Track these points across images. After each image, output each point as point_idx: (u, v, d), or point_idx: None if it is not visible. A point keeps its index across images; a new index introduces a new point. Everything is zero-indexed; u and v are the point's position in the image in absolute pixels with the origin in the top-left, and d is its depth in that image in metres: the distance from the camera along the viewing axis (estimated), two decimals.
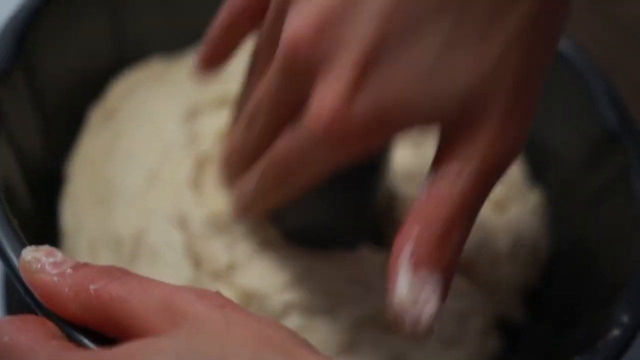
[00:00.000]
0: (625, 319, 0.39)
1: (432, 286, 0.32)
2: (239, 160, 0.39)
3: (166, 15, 0.51)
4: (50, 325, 0.31)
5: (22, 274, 0.32)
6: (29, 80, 0.42)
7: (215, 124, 0.47)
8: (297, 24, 0.32)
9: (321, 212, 0.43)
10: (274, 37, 0.34)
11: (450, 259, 0.33)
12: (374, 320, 0.42)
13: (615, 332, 0.39)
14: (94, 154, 0.46)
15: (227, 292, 0.41)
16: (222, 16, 0.39)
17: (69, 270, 0.31)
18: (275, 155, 0.36)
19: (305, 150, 0.34)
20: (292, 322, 0.41)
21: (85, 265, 0.32)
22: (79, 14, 0.46)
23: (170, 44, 0.52)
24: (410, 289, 0.32)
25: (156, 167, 0.45)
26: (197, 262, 0.42)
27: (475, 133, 0.33)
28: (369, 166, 0.42)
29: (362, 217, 0.44)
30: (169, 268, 0.41)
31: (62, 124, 0.47)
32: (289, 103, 0.35)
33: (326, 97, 0.32)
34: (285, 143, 0.35)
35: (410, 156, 0.48)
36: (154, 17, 0.50)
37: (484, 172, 0.33)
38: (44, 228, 0.44)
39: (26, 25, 0.42)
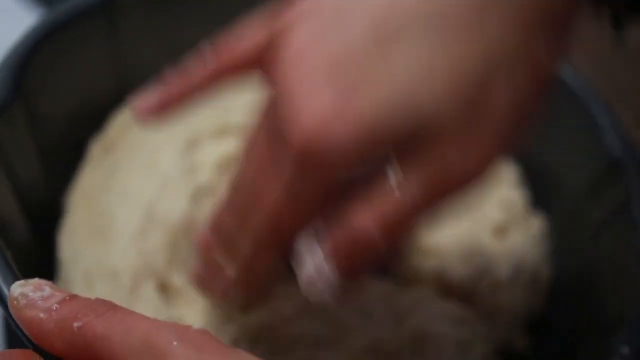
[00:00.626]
0: (625, 350, 0.39)
1: None
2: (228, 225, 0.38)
3: (166, 47, 0.51)
4: None
5: (11, 310, 0.32)
6: (28, 113, 0.43)
7: (215, 154, 0.47)
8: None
9: None
10: None
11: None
12: (377, 351, 0.42)
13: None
14: (93, 187, 0.46)
15: (237, 327, 0.41)
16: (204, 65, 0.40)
17: (55, 306, 0.31)
18: (267, 207, 0.36)
19: (291, 183, 0.34)
20: (299, 354, 0.41)
21: (71, 299, 0.31)
22: (77, 48, 0.47)
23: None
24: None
25: (153, 202, 0.45)
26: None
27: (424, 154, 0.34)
28: None
29: None
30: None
31: (63, 156, 0.47)
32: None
33: (306, 117, 0.33)
34: (273, 191, 0.35)
35: None
36: (154, 49, 0.51)
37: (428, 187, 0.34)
38: (42, 258, 0.44)
39: (24, 59, 0.43)
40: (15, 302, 0.31)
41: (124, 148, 0.48)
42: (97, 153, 0.48)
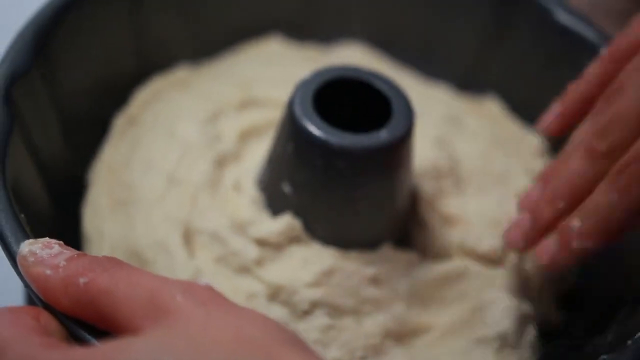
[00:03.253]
0: None
1: None
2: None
3: (190, 24, 0.51)
4: (45, 318, 0.31)
5: (20, 267, 0.32)
6: (49, 84, 0.43)
7: (238, 124, 0.47)
8: None
9: (344, 212, 0.42)
10: None
11: None
12: (399, 329, 0.41)
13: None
14: (116, 160, 0.46)
15: (255, 286, 0.41)
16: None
17: (62, 263, 0.31)
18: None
19: None
20: (320, 320, 0.40)
21: (79, 256, 0.32)
22: (100, 19, 0.46)
23: (196, 52, 0.52)
24: None
25: (174, 170, 0.45)
26: (218, 258, 0.42)
27: None
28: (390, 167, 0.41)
29: (385, 217, 0.43)
30: (185, 266, 0.41)
31: (87, 131, 0.47)
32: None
33: None
34: None
35: (432, 156, 0.47)
36: (178, 25, 0.51)
37: None
38: (67, 233, 0.44)
39: (46, 28, 0.43)
40: (24, 260, 0.32)
41: (146, 121, 0.48)
42: (120, 127, 0.48)
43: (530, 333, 0.43)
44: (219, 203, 0.44)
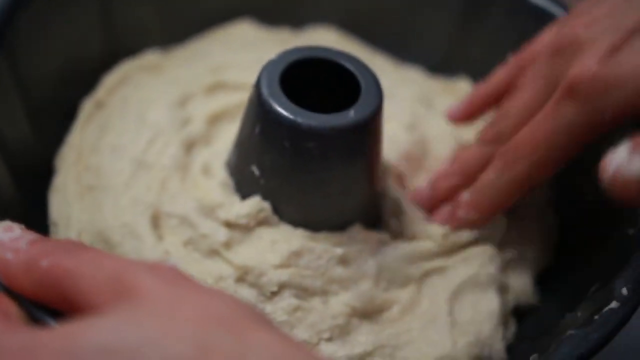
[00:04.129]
0: (624, 291, 0.38)
1: None
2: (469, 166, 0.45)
3: (161, 8, 0.51)
4: (5, 303, 0.30)
5: None
6: (12, 68, 0.42)
7: (207, 108, 0.46)
8: (573, 23, 0.41)
9: (314, 194, 0.42)
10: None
11: None
12: (365, 307, 0.41)
13: (613, 305, 0.37)
14: (83, 145, 0.46)
15: (223, 268, 0.41)
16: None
17: (24, 246, 0.31)
18: (521, 134, 0.41)
19: (552, 113, 0.39)
20: (288, 302, 0.40)
21: (41, 240, 0.31)
22: (65, 7, 0.46)
23: (166, 38, 0.51)
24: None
25: (143, 154, 0.44)
26: (187, 242, 0.42)
27: None
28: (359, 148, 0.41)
29: (354, 199, 0.43)
30: (153, 249, 0.41)
31: (54, 118, 0.46)
32: (547, 88, 0.41)
33: (585, 60, 0.38)
34: (534, 120, 0.41)
35: (403, 137, 0.47)
36: (147, 9, 0.50)
37: None
38: (35, 220, 0.44)
39: (7, 10, 0.42)
40: None
41: (115, 105, 0.47)
42: (87, 112, 0.47)
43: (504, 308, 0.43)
44: (188, 187, 0.43)
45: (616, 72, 0.37)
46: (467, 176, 0.44)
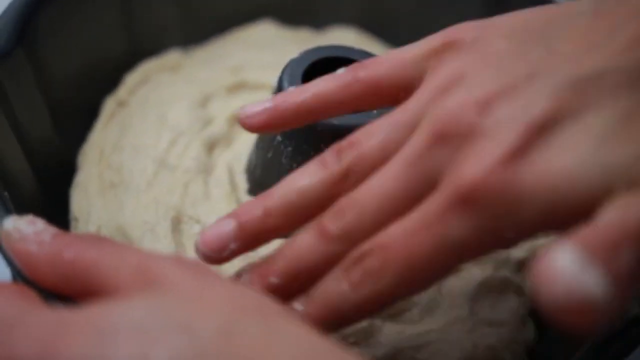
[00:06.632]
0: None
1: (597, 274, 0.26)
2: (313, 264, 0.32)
3: (183, 9, 0.51)
4: (29, 292, 0.30)
5: (3, 244, 0.31)
6: (35, 66, 0.42)
7: (228, 108, 0.46)
8: (462, 98, 0.31)
9: None
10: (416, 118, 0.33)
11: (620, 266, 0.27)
12: (387, 311, 0.41)
13: (636, 310, 0.37)
14: (105, 143, 0.46)
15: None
16: (307, 96, 0.36)
17: (47, 239, 0.31)
18: (390, 241, 0.31)
19: (437, 224, 0.30)
20: None
21: (64, 234, 0.31)
22: (88, 5, 0.46)
23: (188, 38, 0.52)
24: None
25: (165, 155, 0.44)
26: None
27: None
28: None
29: None
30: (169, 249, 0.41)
31: (75, 114, 0.46)
32: (421, 182, 0.31)
33: (486, 157, 0.29)
34: (409, 223, 0.30)
35: None
36: (169, 10, 0.50)
37: None
38: (57, 217, 0.44)
39: (30, 8, 0.42)
40: (8, 236, 0.31)
41: (136, 105, 0.47)
42: (109, 110, 0.47)
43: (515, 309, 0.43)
44: (210, 192, 0.43)
45: (524, 179, 0.29)
46: (300, 282, 0.32)
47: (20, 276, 0.31)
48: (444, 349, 0.41)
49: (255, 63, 0.49)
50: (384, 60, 0.36)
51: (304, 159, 0.38)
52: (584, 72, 0.30)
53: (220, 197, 0.43)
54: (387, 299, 0.31)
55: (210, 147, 0.45)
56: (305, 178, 0.33)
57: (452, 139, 0.31)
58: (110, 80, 0.48)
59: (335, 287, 0.31)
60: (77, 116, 0.47)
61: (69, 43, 0.45)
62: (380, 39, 0.54)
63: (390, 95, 0.35)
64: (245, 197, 0.43)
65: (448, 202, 0.30)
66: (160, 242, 0.41)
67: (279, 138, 0.41)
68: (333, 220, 0.32)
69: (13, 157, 0.40)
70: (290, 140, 0.40)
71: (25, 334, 0.27)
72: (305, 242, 0.32)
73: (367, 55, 0.42)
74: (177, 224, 0.42)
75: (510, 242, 0.31)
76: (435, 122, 0.31)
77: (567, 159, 0.29)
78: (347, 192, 0.32)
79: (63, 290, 0.30)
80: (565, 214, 0.29)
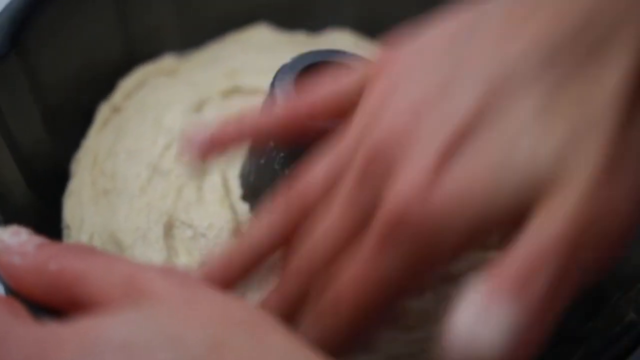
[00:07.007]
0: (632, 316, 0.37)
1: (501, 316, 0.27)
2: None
3: (176, 13, 0.50)
4: (15, 305, 0.30)
5: None
6: (28, 72, 0.42)
7: (223, 113, 0.46)
8: (386, 123, 0.31)
9: None
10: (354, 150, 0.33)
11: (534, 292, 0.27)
12: None
13: (632, 316, 0.36)
14: (99, 149, 0.46)
15: None
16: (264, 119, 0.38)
17: (31, 250, 0.30)
18: (342, 288, 0.32)
19: (372, 264, 0.31)
20: None
21: (49, 243, 0.31)
22: (82, 10, 0.46)
23: (183, 42, 0.51)
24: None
25: (159, 160, 0.44)
26: (199, 254, 0.41)
27: (558, 198, 0.28)
28: None
29: None
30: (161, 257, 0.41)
31: (69, 120, 0.46)
32: (363, 215, 0.32)
33: (405, 183, 0.30)
34: (353, 268, 0.31)
35: None
36: (164, 14, 0.50)
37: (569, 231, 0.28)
38: (50, 224, 0.44)
39: (23, 13, 0.42)
40: None
41: (130, 110, 0.47)
42: (104, 116, 0.47)
43: None
44: (204, 197, 0.43)
45: (444, 201, 0.29)
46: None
47: (9, 289, 0.31)
48: (439, 355, 0.40)
49: (251, 67, 0.49)
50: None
51: (296, 165, 0.38)
52: (496, 68, 0.30)
53: (213, 202, 0.43)
54: (340, 335, 0.32)
55: None
56: (263, 231, 0.35)
57: (374, 170, 0.31)
58: (105, 85, 0.48)
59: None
60: (71, 122, 0.46)
61: (63, 48, 0.45)
62: (376, 41, 0.53)
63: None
64: (239, 203, 0.43)
65: (377, 239, 0.30)
66: (151, 247, 0.41)
67: (271, 144, 0.40)
68: (295, 259, 0.33)
69: (4, 166, 0.40)
70: (282, 146, 0.40)
71: (12, 349, 0.26)
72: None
73: (358, 59, 0.42)
74: (169, 229, 0.42)
75: (450, 260, 0.31)
76: (362, 157, 0.32)
77: (485, 170, 0.29)
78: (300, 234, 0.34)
79: (50, 302, 0.30)
80: (494, 226, 0.29)
